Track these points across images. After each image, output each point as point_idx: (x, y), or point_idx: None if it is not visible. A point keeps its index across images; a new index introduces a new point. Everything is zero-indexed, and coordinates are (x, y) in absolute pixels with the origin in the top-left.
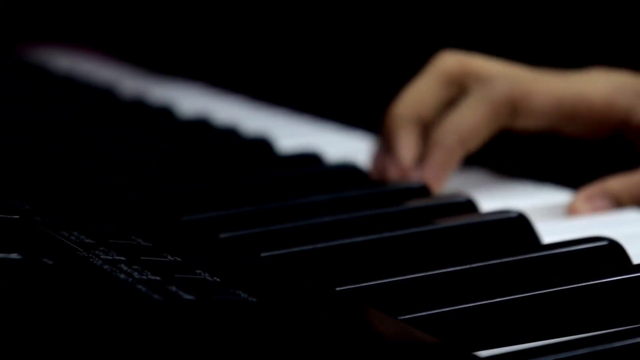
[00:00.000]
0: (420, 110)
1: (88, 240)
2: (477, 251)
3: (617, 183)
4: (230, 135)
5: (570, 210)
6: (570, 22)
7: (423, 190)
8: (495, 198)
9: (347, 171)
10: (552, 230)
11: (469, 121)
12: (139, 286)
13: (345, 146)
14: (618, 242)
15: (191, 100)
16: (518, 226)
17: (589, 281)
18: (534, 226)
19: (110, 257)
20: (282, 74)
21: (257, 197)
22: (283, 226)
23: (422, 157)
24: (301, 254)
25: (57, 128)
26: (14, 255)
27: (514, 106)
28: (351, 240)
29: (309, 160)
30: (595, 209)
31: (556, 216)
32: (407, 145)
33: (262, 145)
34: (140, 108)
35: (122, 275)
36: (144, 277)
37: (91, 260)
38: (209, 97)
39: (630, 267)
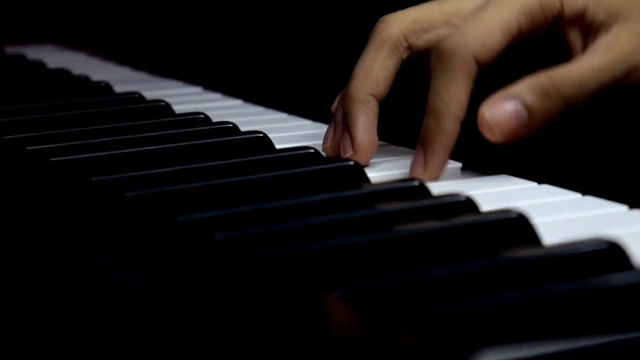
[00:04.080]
0: (372, 87)
1: (81, 241)
2: (477, 251)
3: (522, 85)
4: (225, 133)
5: (480, 120)
6: None
7: (423, 190)
8: (495, 197)
9: (347, 170)
10: (552, 231)
11: (455, 99)
12: (132, 287)
13: None
14: (619, 243)
15: (186, 99)
16: (518, 226)
17: (589, 283)
18: (534, 226)
19: (103, 257)
20: (277, 73)
21: (254, 196)
22: (280, 226)
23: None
24: (298, 255)
25: (50, 125)
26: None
27: (478, 61)
28: (350, 240)
29: (308, 158)
30: (501, 115)
31: (556, 215)
32: (361, 125)
33: (258, 144)
34: (135, 106)
35: (115, 276)
36: (138, 277)
37: (84, 260)
38: (204, 96)
39: (632, 268)
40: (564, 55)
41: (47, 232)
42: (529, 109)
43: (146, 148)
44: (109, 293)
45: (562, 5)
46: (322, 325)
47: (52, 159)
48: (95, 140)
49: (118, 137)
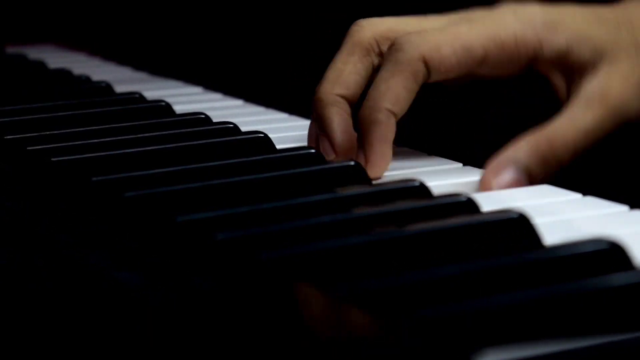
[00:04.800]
0: (343, 89)
1: (81, 241)
2: (477, 251)
3: (523, 150)
4: (225, 134)
5: (482, 187)
6: None
7: (423, 190)
8: (493, 198)
9: (346, 170)
10: (553, 231)
11: (390, 91)
12: (132, 288)
13: None
14: (620, 244)
15: (186, 99)
16: (519, 226)
17: (590, 283)
18: (535, 226)
19: (103, 257)
20: (277, 73)
21: (255, 196)
22: (281, 227)
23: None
24: (299, 256)
25: (50, 125)
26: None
27: (426, 63)
28: (350, 241)
29: (308, 159)
30: (505, 183)
31: (556, 216)
32: (337, 127)
33: (258, 144)
34: (135, 106)
35: (115, 277)
36: (138, 278)
37: (83, 260)
38: (204, 96)
39: (632, 268)
40: (548, 94)
41: (47, 232)
42: (529, 174)
43: (147, 148)
44: (108, 293)
45: (540, 44)
46: (323, 326)
47: (52, 159)
48: (95, 141)
49: (118, 137)
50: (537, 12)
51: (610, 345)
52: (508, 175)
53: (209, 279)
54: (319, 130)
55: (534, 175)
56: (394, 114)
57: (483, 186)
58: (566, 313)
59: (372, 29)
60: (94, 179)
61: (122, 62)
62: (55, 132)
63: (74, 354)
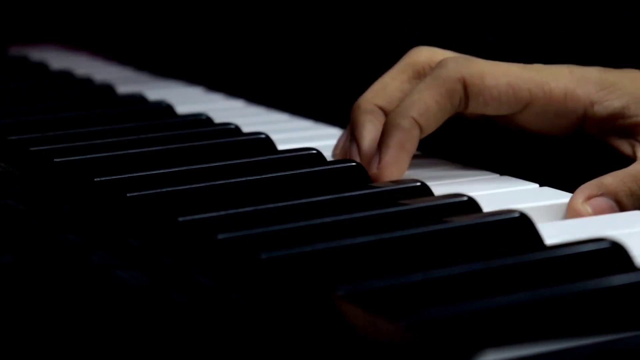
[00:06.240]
0: (384, 101)
1: (84, 241)
2: (479, 252)
3: (613, 178)
4: (227, 134)
5: (571, 213)
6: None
7: (424, 190)
8: (494, 198)
9: (348, 171)
10: (554, 231)
11: (421, 102)
12: (135, 287)
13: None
14: (621, 243)
15: (188, 100)
16: (521, 226)
17: (591, 283)
18: (536, 227)
19: (105, 259)
20: (279, 74)
21: (257, 196)
22: (282, 227)
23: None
24: (300, 255)
25: (53, 126)
26: (6, 257)
27: (466, 86)
28: (351, 241)
29: (310, 159)
30: (596, 209)
31: (557, 217)
32: (368, 134)
33: (260, 145)
34: (137, 107)
35: (118, 276)
36: (140, 277)
37: (86, 260)
38: (206, 97)
39: (634, 268)
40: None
41: (50, 232)
42: (620, 204)
43: (149, 149)
44: (111, 292)
45: (592, 103)
46: (323, 325)
47: (55, 160)
48: (98, 142)
49: (121, 138)
50: (593, 73)
51: (611, 345)
52: (602, 199)
53: (212, 277)
54: (351, 134)
55: (623, 207)
56: (420, 126)
57: (573, 212)
58: (567, 313)
59: (429, 55)
60: (97, 179)
61: (124, 62)
62: (58, 133)
63: (77, 354)
